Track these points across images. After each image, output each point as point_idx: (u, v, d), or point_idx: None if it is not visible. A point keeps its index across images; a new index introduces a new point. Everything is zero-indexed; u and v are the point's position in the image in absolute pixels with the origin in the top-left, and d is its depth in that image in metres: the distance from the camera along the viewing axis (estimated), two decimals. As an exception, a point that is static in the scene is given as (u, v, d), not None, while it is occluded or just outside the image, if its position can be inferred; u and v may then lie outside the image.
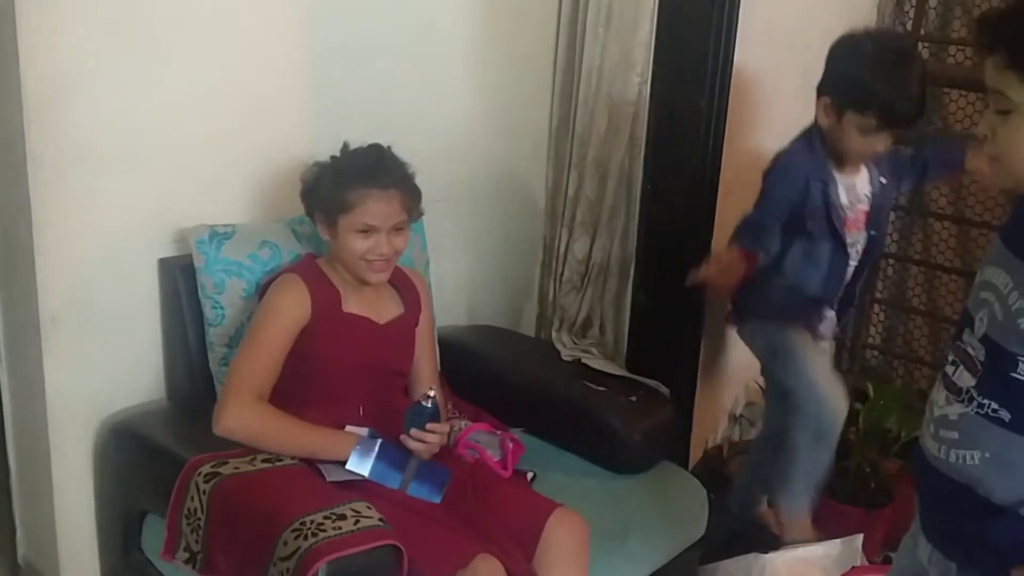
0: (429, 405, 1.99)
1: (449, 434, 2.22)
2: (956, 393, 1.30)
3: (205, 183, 2.29)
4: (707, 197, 2.44)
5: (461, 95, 2.74)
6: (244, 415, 1.96)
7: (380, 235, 2.03)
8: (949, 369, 1.33)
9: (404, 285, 2.23)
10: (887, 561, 2.56)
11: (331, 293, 2.10)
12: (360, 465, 1.99)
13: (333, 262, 2.13)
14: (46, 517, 2.28)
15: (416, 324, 2.23)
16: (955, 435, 1.30)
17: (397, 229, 2.06)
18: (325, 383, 2.05)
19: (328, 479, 1.94)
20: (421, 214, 2.21)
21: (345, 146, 2.12)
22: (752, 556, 2.42)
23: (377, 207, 2.02)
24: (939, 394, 1.35)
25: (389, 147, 2.13)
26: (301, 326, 2.05)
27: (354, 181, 2.03)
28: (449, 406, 2.39)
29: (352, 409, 2.09)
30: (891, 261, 3.28)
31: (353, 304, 2.12)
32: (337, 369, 2.05)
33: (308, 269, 2.13)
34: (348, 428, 2.05)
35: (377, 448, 2.00)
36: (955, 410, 1.30)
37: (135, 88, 2.13)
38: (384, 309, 2.17)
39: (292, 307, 2.04)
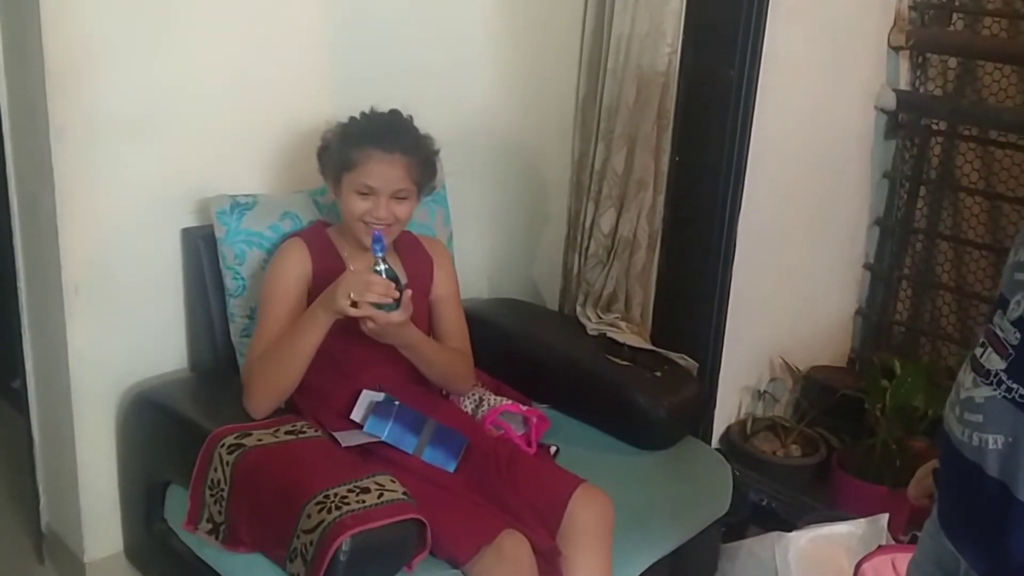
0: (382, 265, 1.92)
1: (476, 410, 2.22)
2: (984, 376, 1.27)
3: (227, 153, 2.28)
4: (736, 170, 2.40)
5: (486, 66, 2.71)
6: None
7: (380, 198, 2.00)
8: (978, 351, 1.29)
9: (414, 255, 2.19)
10: (914, 541, 2.53)
11: (334, 260, 2.08)
12: (377, 427, 1.99)
13: (344, 230, 2.11)
14: (69, 487, 2.29)
15: (426, 294, 2.18)
16: (980, 418, 1.26)
17: (399, 197, 2.02)
18: (336, 352, 2.03)
19: (343, 445, 1.94)
20: (433, 188, 2.18)
21: (368, 110, 2.10)
22: (775, 534, 2.40)
23: (378, 168, 2.00)
24: (966, 376, 1.31)
25: (410, 116, 2.10)
26: (306, 286, 2.04)
27: (360, 141, 2.02)
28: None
29: (367, 378, 2.08)
30: (919, 236, 3.23)
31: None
32: (345, 337, 2.02)
33: (312, 234, 2.12)
34: (364, 392, 2.05)
35: (395, 411, 2.01)
36: (982, 393, 1.26)
37: (157, 57, 2.12)
38: None
39: (293, 267, 2.04)
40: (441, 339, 2.21)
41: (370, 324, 1.90)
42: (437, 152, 2.14)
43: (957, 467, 1.29)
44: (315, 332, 1.94)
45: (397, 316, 1.90)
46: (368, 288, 1.88)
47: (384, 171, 2.00)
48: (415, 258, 2.19)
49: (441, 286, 2.22)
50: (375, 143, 2.01)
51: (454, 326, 2.23)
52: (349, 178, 2.02)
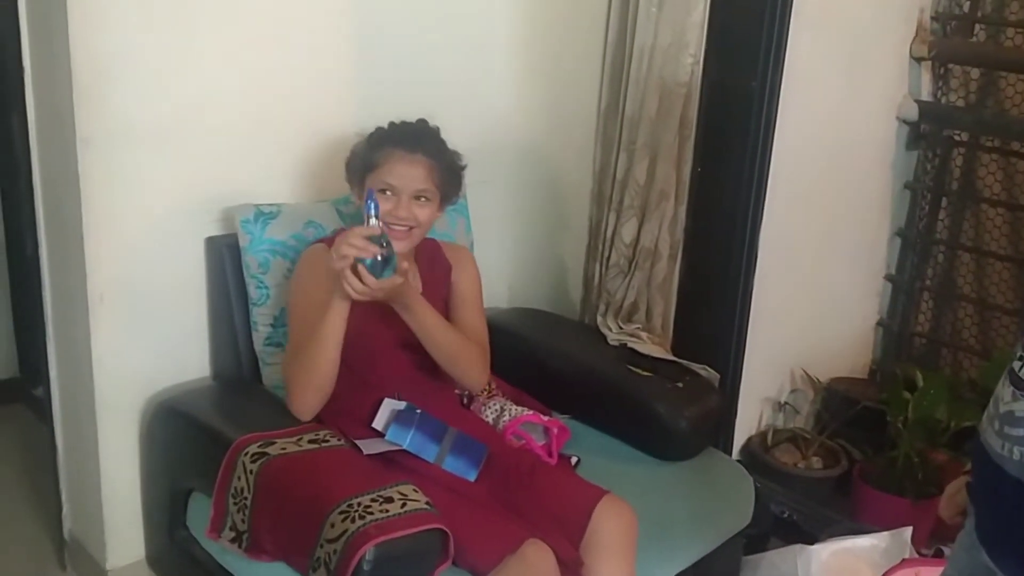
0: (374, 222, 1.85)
1: (498, 420, 2.22)
2: (1023, 389, 1.26)
3: (251, 163, 2.29)
4: (758, 181, 2.40)
5: (509, 76, 2.72)
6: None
7: (400, 198, 2.01)
8: (1016, 364, 1.28)
9: (431, 261, 2.19)
10: (938, 554, 2.52)
11: None
12: (399, 436, 1.99)
13: None
14: (92, 494, 2.30)
15: (443, 299, 2.18)
16: (1022, 432, 1.25)
17: (421, 198, 2.03)
18: (359, 360, 2.04)
19: (365, 452, 1.94)
20: (457, 197, 2.18)
21: (398, 120, 2.12)
22: (797, 547, 2.39)
23: (399, 167, 2.02)
24: (1005, 390, 1.30)
25: (437, 127, 2.12)
26: (330, 290, 2.01)
27: (384, 143, 2.05)
28: (492, 386, 2.38)
29: (388, 387, 2.08)
30: (941, 247, 3.21)
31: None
32: (367, 345, 2.03)
33: (334, 240, 2.11)
34: (386, 401, 2.05)
35: (417, 419, 2.01)
36: (1022, 406, 1.26)
37: (182, 68, 2.14)
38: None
39: (317, 272, 2.01)
40: None
41: (356, 285, 1.83)
42: (463, 166, 2.16)
43: (997, 482, 1.27)
44: (333, 318, 1.92)
45: (389, 282, 1.85)
46: (346, 239, 1.84)
47: (405, 170, 2.02)
48: (432, 263, 2.20)
49: (459, 288, 2.21)
50: (398, 144, 2.04)
51: (470, 323, 2.18)
52: (371, 179, 2.03)
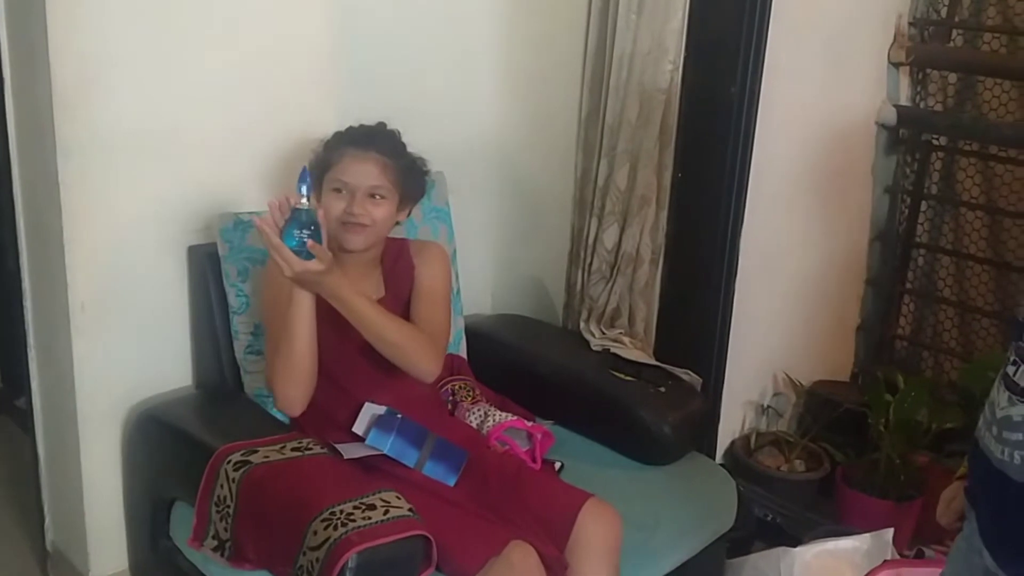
0: (304, 204, 1.81)
1: (482, 425, 2.22)
2: (1019, 394, 1.27)
3: (233, 171, 2.29)
4: (738, 186, 2.41)
5: (490, 83, 2.73)
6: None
7: (355, 196, 2.00)
8: (1010, 369, 1.29)
9: (395, 264, 2.16)
10: (919, 555, 2.54)
11: None
12: (380, 441, 1.99)
13: (332, 244, 2.06)
14: (75, 504, 2.29)
15: (404, 302, 2.14)
16: (1020, 436, 1.26)
17: (375, 195, 2.02)
18: (335, 366, 2.03)
19: (345, 457, 1.94)
20: (419, 198, 2.16)
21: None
22: (780, 550, 2.40)
23: (351, 165, 2.01)
24: (1000, 395, 1.30)
25: (396, 130, 2.12)
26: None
27: (339, 143, 2.06)
28: (476, 392, 2.38)
29: (368, 391, 2.08)
30: (921, 251, 3.24)
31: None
32: (342, 350, 2.02)
33: None
34: (367, 405, 2.05)
35: (398, 424, 2.00)
36: (1019, 411, 1.26)
37: (162, 76, 2.13)
38: (369, 290, 2.09)
39: (278, 283, 1.96)
40: None
41: (283, 268, 1.81)
42: (427, 170, 2.15)
43: (1000, 487, 1.28)
44: (297, 308, 1.90)
45: (314, 264, 1.82)
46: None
47: (357, 167, 2.01)
48: (396, 263, 2.17)
49: (419, 282, 2.15)
50: (350, 142, 2.05)
51: (423, 314, 2.12)
52: (327, 179, 2.03)
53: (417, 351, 2.03)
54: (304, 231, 1.80)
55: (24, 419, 2.46)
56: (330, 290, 1.91)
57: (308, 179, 1.82)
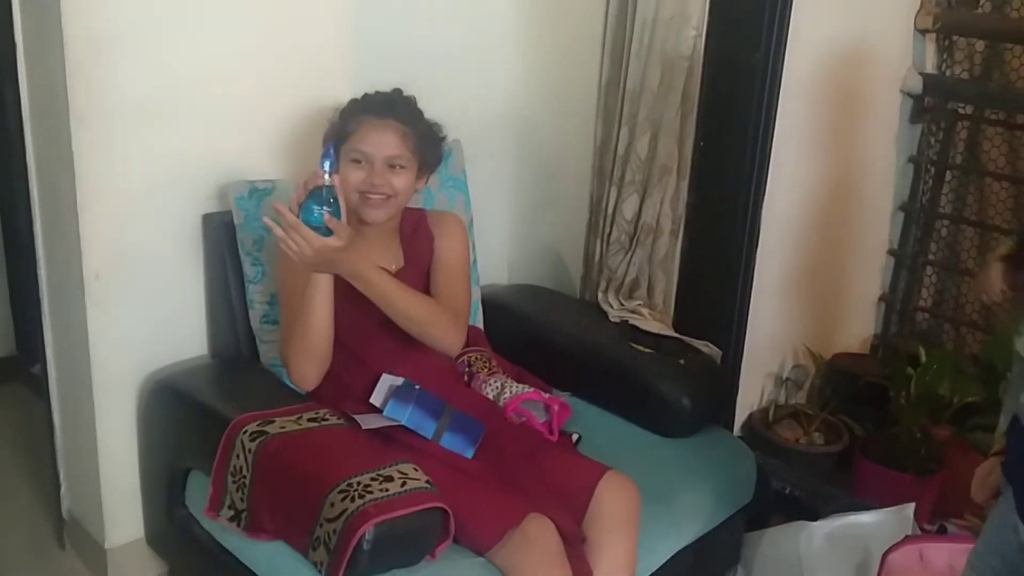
0: (327, 181, 1.78)
1: (499, 397, 2.20)
2: None
3: (248, 138, 2.27)
4: (761, 155, 2.37)
5: (507, 49, 2.69)
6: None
7: (374, 166, 1.97)
8: None
9: (414, 235, 2.14)
10: (941, 531, 2.52)
11: None
12: (398, 411, 1.97)
13: (351, 215, 2.05)
14: (90, 473, 2.29)
15: (423, 273, 2.12)
16: None
17: (395, 166, 1.99)
18: (352, 338, 2.01)
19: (364, 427, 1.93)
20: (436, 166, 2.12)
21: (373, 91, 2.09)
22: (799, 524, 2.37)
23: (370, 134, 1.98)
24: None
25: (413, 96, 2.08)
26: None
27: (355, 111, 2.02)
28: (493, 363, 2.36)
29: (385, 363, 2.06)
30: (944, 222, 3.19)
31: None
32: (358, 322, 2.00)
33: None
34: (384, 376, 2.04)
35: (416, 395, 1.99)
36: None
37: (176, 43, 2.10)
38: (389, 260, 2.09)
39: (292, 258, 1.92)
40: None
41: (302, 246, 1.78)
42: (444, 136, 2.12)
43: None
44: (314, 286, 1.89)
45: (333, 240, 1.79)
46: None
47: (376, 136, 1.98)
48: (414, 235, 2.15)
49: (439, 255, 2.14)
50: (369, 111, 2.01)
51: (443, 288, 2.10)
52: (345, 149, 1.99)
53: (440, 326, 2.02)
54: (324, 207, 1.78)
55: (39, 387, 2.45)
56: (351, 268, 1.89)
57: (332, 156, 1.80)
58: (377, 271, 1.93)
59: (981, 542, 1.47)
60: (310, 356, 1.95)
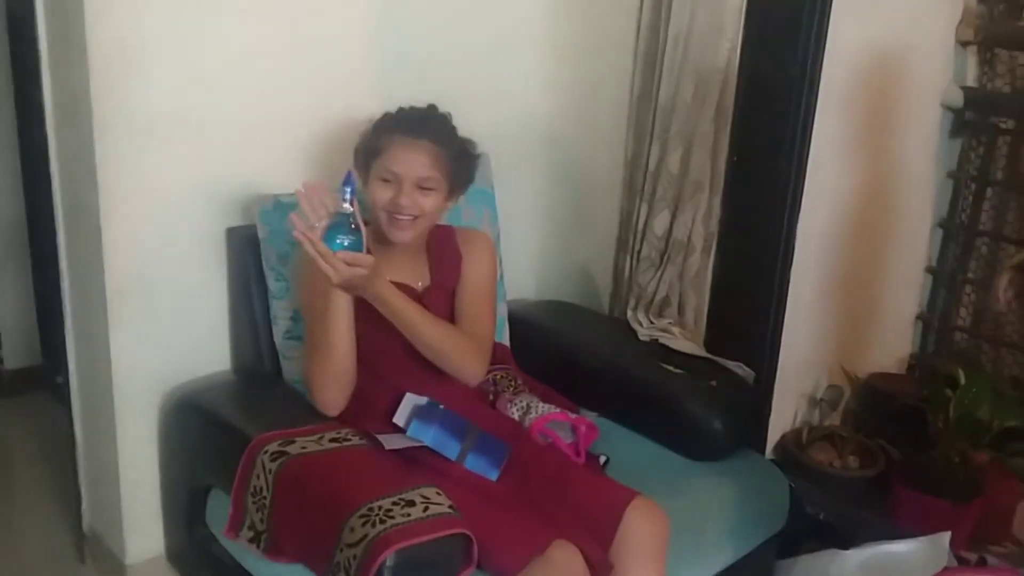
0: (348, 208, 1.76)
1: (524, 417, 2.15)
2: None
3: (273, 151, 2.24)
4: (796, 170, 2.31)
5: (536, 61, 2.65)
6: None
7: (403, 185, 1.94)
8: None
9: (441, 253, 2.10)
10: (981, 563, 2.44)
11: None
12: (421, 431, 1.93)
13: (377, 229, 2.03)
14: (111, 488, 2.27)
15: (450, 293, 2.08)
16: None
17: (424, 187, 1.95)
18: (373, 357, 1.97)
19: (387, 447, 1.89)
20: (467, 187, 2.08)
21: (408, 106, 2.05)
22: (831, 552, 2.31)
23: (401, 154, 1.94)
24: None
25: (448, 113, 2.04)
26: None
27: (388, 128, 1.98)
28: (519, 382, 2.31)
29: (408, 383, 2.02)
30: (984, 239, 3.12)
31: (389, 272, 1.99)
32: (379, 342, 1.96)
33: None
34: (408, 396, 2.00)
35: (440, 415, 1.95)
36: None
37: (202, 54, 2.08)
38: (416, 278, 2.06)
39: (311, 278, 1.93)
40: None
41: (330, 270, 1.76)
42: (477, 156, 2.08)
43: None
44: (334, 307, 1.86)
45: (360, 270, 1.77)
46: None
47: (408, 156, 1.94)
48: (442, 254, 2.11)
49: (466, 278, 2.09)
50: (401, 129, 1.97)
51: (468, 312, 2.06)
52: (375, 166, 1.96)
53: (461, 355, 1.99)
54: (348, 237, 1.76)
55: (64, 397, 2.44)
56: (374, 294, 1.87)
57: (353, 182, 1.78)
58: (400, 297, 1.91)
59: None
60: (332, 380, 1.92)
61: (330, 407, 1.95)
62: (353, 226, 1.77)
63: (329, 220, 1.77)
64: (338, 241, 1.76)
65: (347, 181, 1.77)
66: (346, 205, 1.76)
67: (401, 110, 2.04)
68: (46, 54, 2.11)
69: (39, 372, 3.28)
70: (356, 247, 1.77)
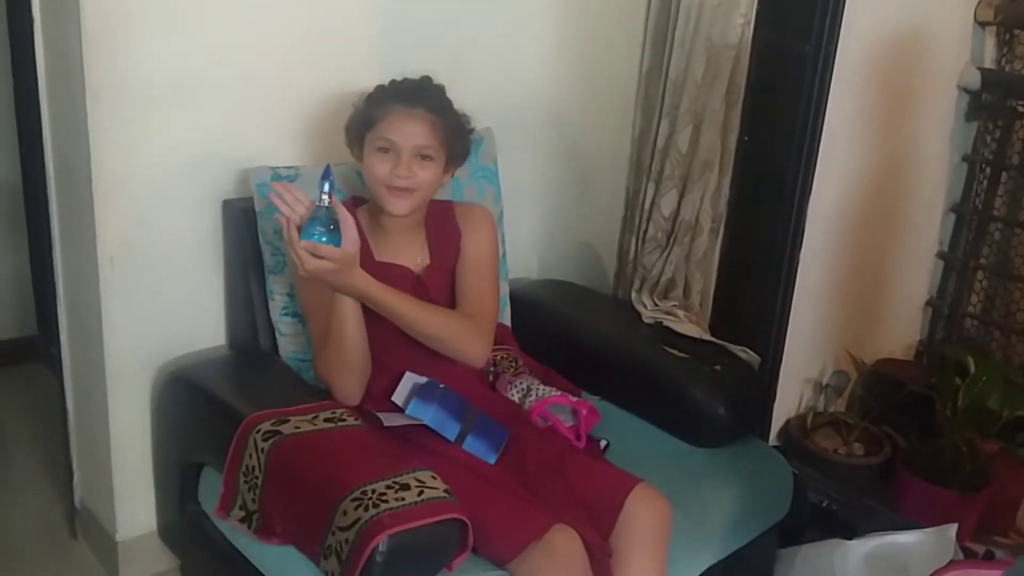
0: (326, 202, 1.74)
1: (524, 399, 2.11)
2: None
3: (270, 122, 2.20)
4: (808, 151, 2.26)
5: (542, 36, 2.60)
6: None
7: (401, 156, 1.91)
8: None
9: (440, 230, 2.07)
10: (988, 556, 2.40)
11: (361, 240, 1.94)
12: (421, 410, 1.90)
13: (373, 207, 2.01)
14: (103, 463, 2.24)
15: (450, 271, 2.06)
16: None
17: (422, 157, 1.92)
18: (377, 337, 1.93)
19: (386, 424, 1.87)
20: (463, 157, 2.05)
21: (400, 78, 2.02)
22: (834, 541, 2.27)
23: (398, 122, 1.91)
24: None
25: (441, 85, 2.01)
26: None
27: (383, 99, 1.96)
28: (520, 363, 2.27)
29: (409, 365, 2.00)
30: (998, 224, 3.05)
31: (386, 252, 2.02)
32: (377, 328, 1.92)
33: None
34: (407, 374, 1.98)
35: (440, 394, 1.92)
36: None
37: (197, 21, 2.04)
38: (414, 257, 2.04)
39: None
40: (455, 304, 2.05)
41: (299, 268, 1.76)
42: (472, 129, 2.05)
43: None
44: (340, 307, 1.85)
45: (327, 264, 1.75)
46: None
47: (404, 125, 1.91)
48: (441, 231, 2.07)
49: (465, 253, 2.06)
50: (397, 99, 1.95)
51: (469, 291, 2.04)
52: (370, 137, 1.94)
53: (461, 340, 1.96)
54: (324, 233, 1.74)
55: (57, 368, 2.40)
56: (356, 291, 1.84)
57: (331, 177, 1.75)
58: (384, 290, 1.87)
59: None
60: (348, 371, 1.91)
61: (349, 398, 1.94)
62: (332, 227, 1.74)
63: (308, 213, 1.75)
64: (315, 233, 1.74)
65: (325, 175, 1.74)
66: (324, 197, 1.73)
67: (395, 81, 2.00)
68: (39, 15, 2.05)
69: (34, 343, 3.24)
70: (332, 239, 1.74)
